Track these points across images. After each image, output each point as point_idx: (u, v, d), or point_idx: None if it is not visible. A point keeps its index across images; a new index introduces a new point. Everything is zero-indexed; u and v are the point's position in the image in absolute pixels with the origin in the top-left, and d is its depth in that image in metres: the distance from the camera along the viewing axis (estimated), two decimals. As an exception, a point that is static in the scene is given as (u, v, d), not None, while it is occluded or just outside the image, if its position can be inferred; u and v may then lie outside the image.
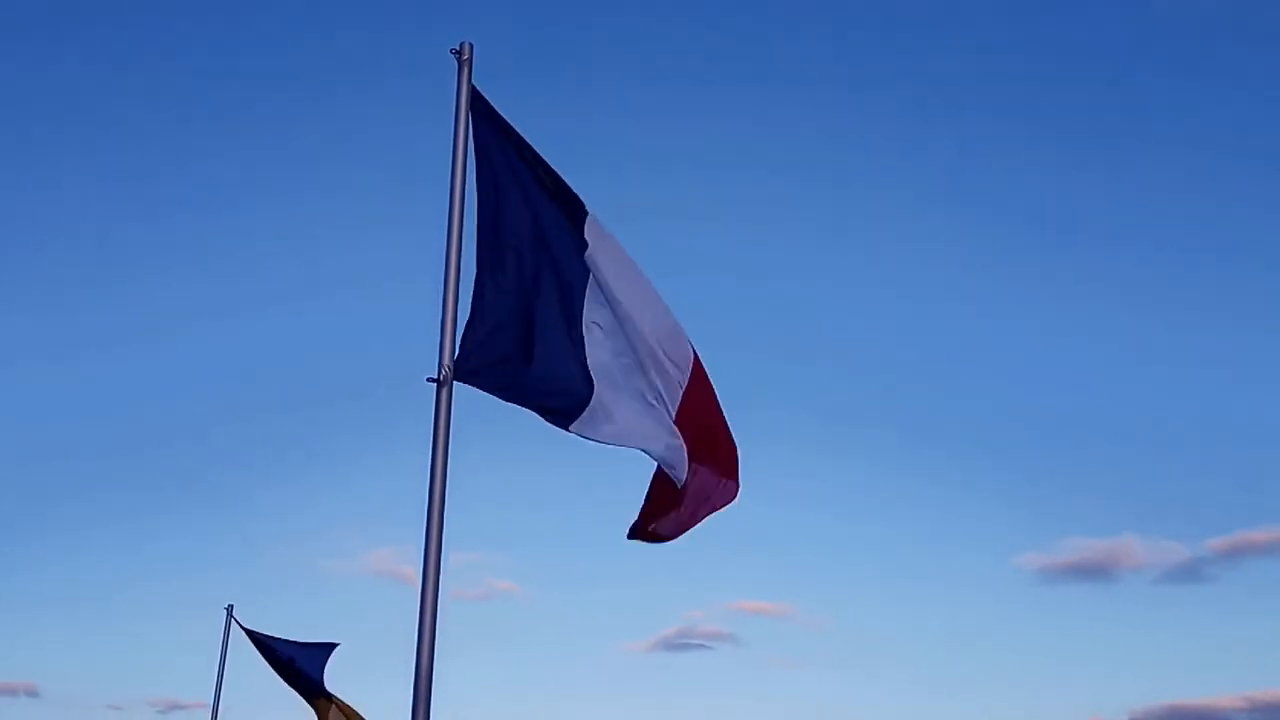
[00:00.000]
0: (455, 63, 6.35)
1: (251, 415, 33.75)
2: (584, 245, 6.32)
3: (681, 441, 6.28)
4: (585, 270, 6.31)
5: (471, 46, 6.38)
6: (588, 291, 6.30)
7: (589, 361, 6.21)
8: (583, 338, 6.24)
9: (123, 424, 33.59)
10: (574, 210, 6.37)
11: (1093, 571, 32.90)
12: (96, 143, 35.64)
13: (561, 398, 6.14)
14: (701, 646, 31.11)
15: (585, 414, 6.11)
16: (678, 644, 31.16)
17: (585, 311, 6.28)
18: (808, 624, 31.82)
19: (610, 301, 6.31)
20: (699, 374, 6.47)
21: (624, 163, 32.55)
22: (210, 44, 35.32)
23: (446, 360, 5.93)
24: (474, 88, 6.32)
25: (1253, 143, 35.45)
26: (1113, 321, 35.60)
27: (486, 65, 6.41)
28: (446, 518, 5.72)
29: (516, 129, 6.36)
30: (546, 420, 6.14)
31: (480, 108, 6.33)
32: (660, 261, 6.51)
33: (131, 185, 35.50)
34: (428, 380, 5.91)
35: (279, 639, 15.51)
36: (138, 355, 34.70)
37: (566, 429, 6.12)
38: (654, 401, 6.32)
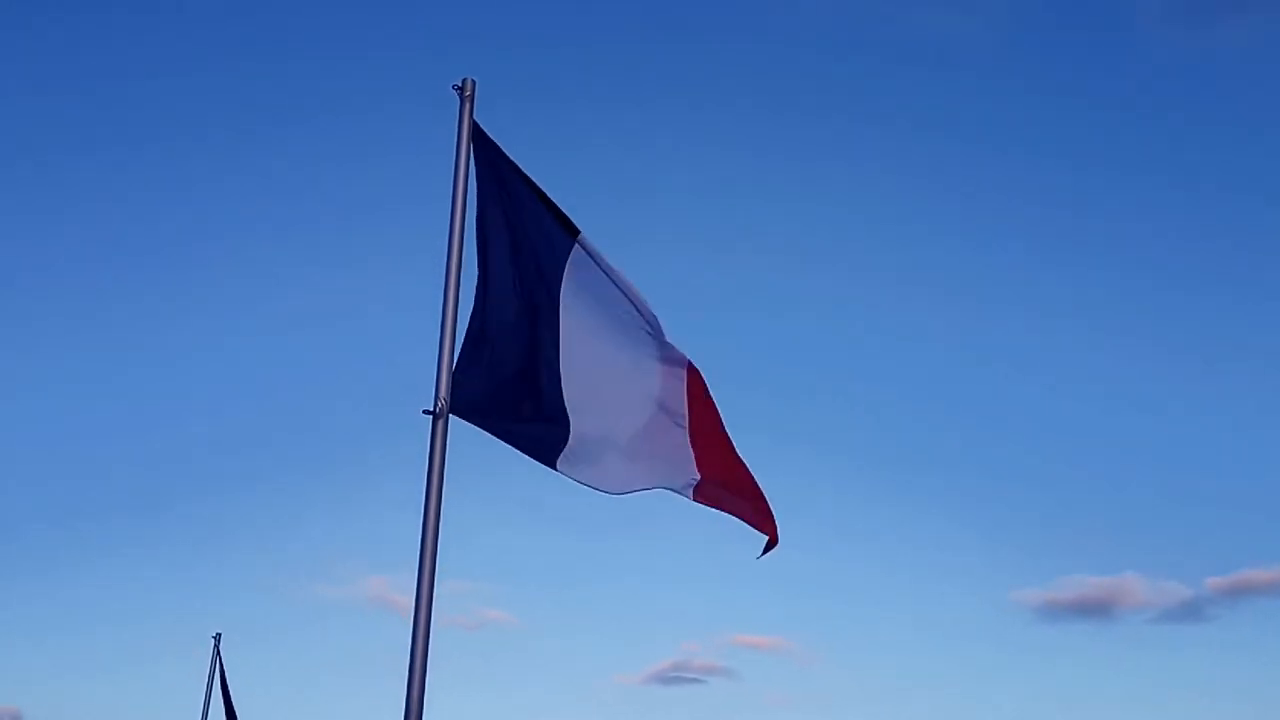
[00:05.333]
0: (457, 98, 6.41)
1: (248, 443, 33.74)
2: (560, 279, 6.29)
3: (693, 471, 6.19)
4: (558, 304, 6.29)
5: (474, 82, 6.44)
6: (561, 323, 6.27)
7: (565, 396, 6.18)
8: (559, 373, 6.21)
9: (117, 450, 33.55)
10: (561, 242, 6.34)
11: (1093, 609, 32.89)
12: (89, 170, 35.76)
13: (543, 434, 6.16)
14: (696, 680, 31.00)
15: (565, 451, 6.11)
16: (672, 677, 31.06)
17: (562, 344, 6.24)
18: (804, 659, 31.76)
19: (588, 332, 6.28)
20: (696, 392, 6.31)
21: (625, 195, 32.72)
22: (212, 77, 35.52)
23: (443, 393, 5.98)
24: (475, 123, 6.39)
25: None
26: (1115, 359, 35.73)
27: (489, 101, 6.48)
28: (441, 548, 5.76)
29: (517, 163, 6.40)
30: (531, 457, 6.16)
31: (482, 143, 6.38)
32: (662, 293, 6.52)
33: (127, 212, 35.60)
34: (423, 413, 5.95)
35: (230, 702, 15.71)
36: (134, 383, 34.70)
37: (554, 467, 6.13)
38: (649, 431, 6.24)
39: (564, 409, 6.17)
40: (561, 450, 6.12)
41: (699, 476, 6.17)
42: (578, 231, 6.30)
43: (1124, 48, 36.69)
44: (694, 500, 6.16)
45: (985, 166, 36.75)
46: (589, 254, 6.29)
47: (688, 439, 6.23)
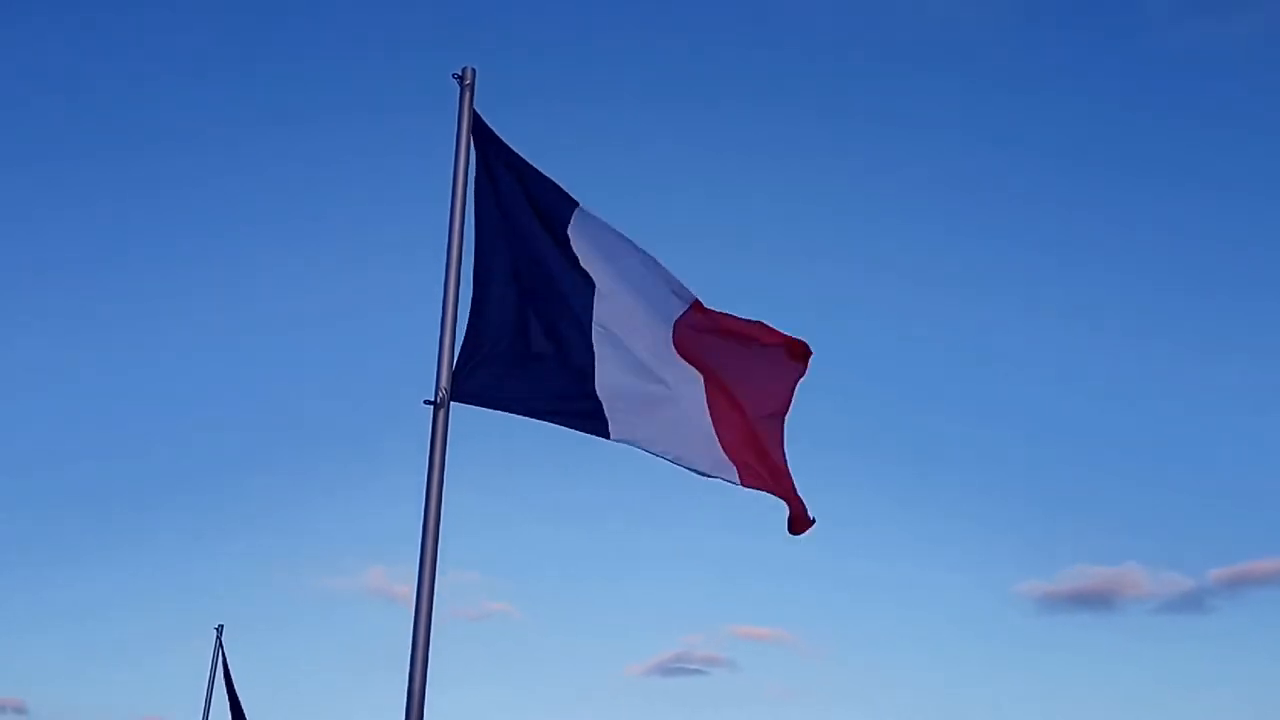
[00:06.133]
0: (458, 87, 6.38)
1: (250, 435, 33.76)
2: (574, 255, 6.30)
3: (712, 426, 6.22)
4: (584, 276, 6.29)
5: (474, 71, 6.42)
6: (594, 299, 6.27)
7: (597, 370, 6.17)
8: (592, 347, 6.20)
9: (120, 443, 33.57)
10: (564, 214, 6.34)
11: (1094, 600, 32.95)
12: (90, 170, 35.72)
13: (578, 408, 6.14)
14: (698, 671, 31.02)
15: (609, 421, 6.09)
16: (674, 668, 31.07)
17: (594, 319, 6.24)
18: (805, 650, 31.80)
19: (609, 298, 6.29)
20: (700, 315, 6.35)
21: (625, 188, 32.67)
22: (211, 69, 35.47)
23: (444, 383, 5.96)
24: (475, 112, 6.36)
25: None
26: (1118, 351, 35.72)
27: (489, 90, 6.46)
28: (442, 539, 5.74)
29: (516, 150, 6.38)
30: (569, 427, 6.15)
31: (481, 132, 6.36)
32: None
33: (134, 205, 35.58)
34: (424, 403, 5.94)
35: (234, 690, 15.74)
36: (136, 376, 34.71)
37: (607, 437, 6.10)
38: (671, 386, 6.25)
39: (593, 377, 6.15)
40: (605, 417, 6.10)
41: (728, 458, 6.18)
42: (577, 203, 6.34)
43: (1133, 41, 36.60)
44: (741, 485, 6.21)
45: (986, 163, 36.75)
46: (592, 217, 6.33)
47: (705, 401, 6.25)
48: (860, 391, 34.71)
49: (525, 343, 6.23)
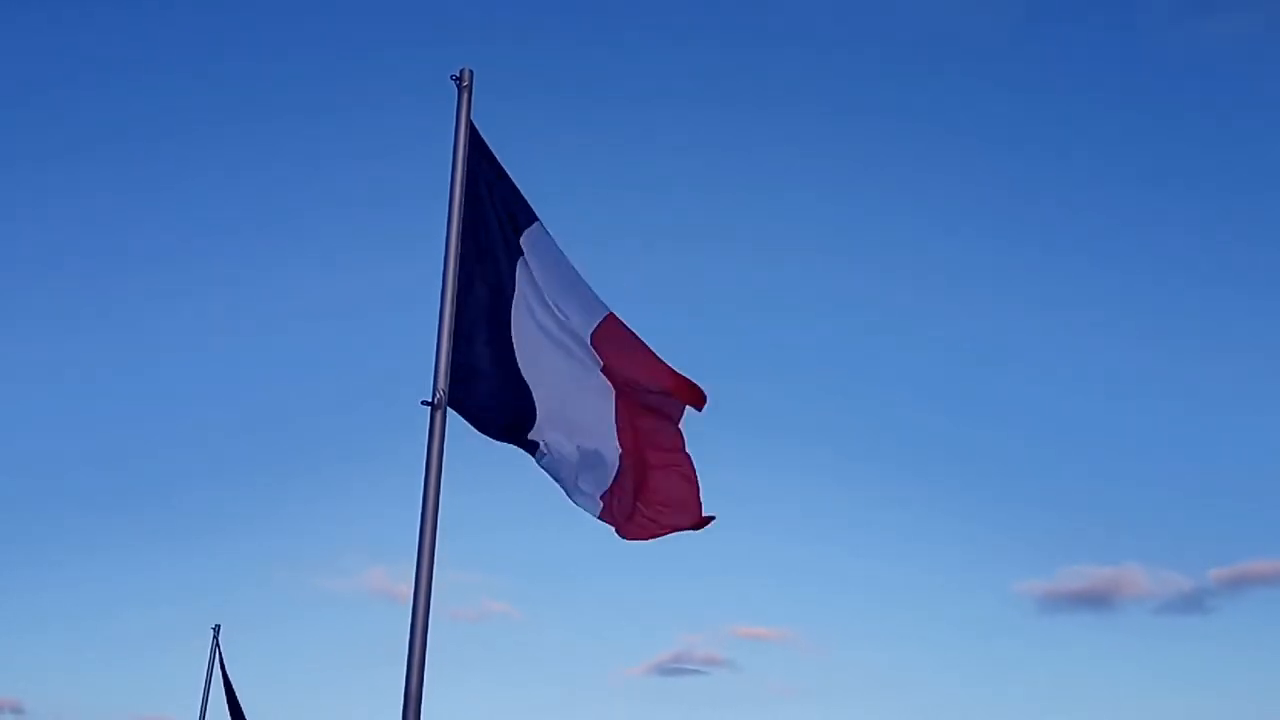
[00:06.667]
0: (455, 89, 6.40)
1: (249, 435, 33.77)
2: (516, 264, 6.34)
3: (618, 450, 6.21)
4: (516, 294, 6.33)
5: (472, 73, 6.43)
6: (513, 314, 6.29)
7: (533, 393, 6.22)
8: (519, 370, 6.24)
9: (118, 444, 33.57)
10: (518, 228, 6.37)
11: (1094, 600, 32.95)
12: (88, 169, 35.73)
13: (514, 430, 6.20)
14: (698, 672, 31.00)
15: (536, 448, 6.17)
16: (673, 669, 31.04)
17: (515, 340, 6.27)
18: (806, 649, 31.79)
19: (543, 324, 6.31)
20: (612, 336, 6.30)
21: (625, 188, 32.72)
22: (210, 66, 35.49)
23: (441, 384, 5.97)
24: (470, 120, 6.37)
25: None
26: (1117, 351, 35.71)
27: (486, 92, 6.47)
28: (440, 539, 5.75)
29: (492, 150, 6.41)
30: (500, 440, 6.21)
31: (471, 138, 6.36)
32: (660, 289, 6.52)
33: (133, 204, 35.61)
34: (422, 403, 5.95)
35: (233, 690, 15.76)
36: (134, 376, 34.71)
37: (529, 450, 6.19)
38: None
39: (533, 407, 6.20)
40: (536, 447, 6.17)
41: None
42: (536, 218, 6.37)
43: (1133, 40, 36.59)
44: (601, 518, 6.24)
45: (986, 162, 36.76)
46: (542, 237, 6.35)
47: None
48: (860, 391, 34.78)
49: (493, 361, 6.26)
